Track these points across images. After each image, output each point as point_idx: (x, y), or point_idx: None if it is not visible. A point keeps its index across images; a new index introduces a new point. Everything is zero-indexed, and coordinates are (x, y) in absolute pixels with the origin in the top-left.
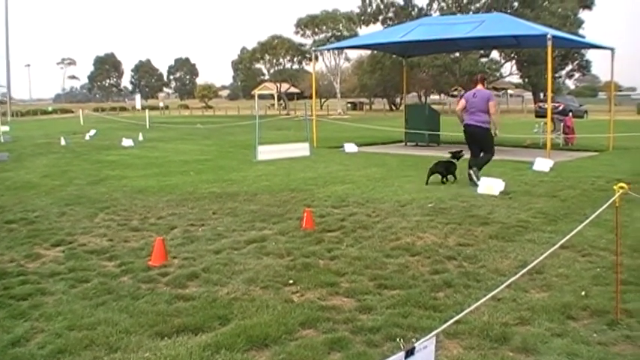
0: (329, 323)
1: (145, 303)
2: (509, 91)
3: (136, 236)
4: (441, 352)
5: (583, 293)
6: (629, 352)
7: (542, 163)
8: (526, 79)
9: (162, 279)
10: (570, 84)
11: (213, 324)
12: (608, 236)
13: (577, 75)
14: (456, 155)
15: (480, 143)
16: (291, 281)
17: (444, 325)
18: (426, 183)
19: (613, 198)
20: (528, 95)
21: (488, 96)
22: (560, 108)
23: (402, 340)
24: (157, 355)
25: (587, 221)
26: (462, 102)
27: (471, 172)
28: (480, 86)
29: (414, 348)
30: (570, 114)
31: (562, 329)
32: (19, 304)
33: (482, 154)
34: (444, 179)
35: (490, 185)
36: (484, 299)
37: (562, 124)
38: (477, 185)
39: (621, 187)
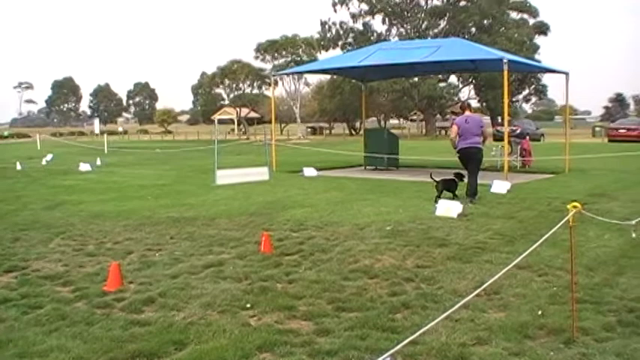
0: (286, 347)
1: (100, 329)
2: None
3: (91, 261)
4: None
5: (540, 312)
6: None
7: (500, 186)
8: (484, 104)
9: (118, 304)
10: (527, 108)
11: (168, 349)
12: (564, 256)
13: (534, 99)
14: (460, 177)
15: (476, 162)
16: (248, 305)
17: (399, 346)
18: (437, 199)
19: (567, 217)
20: (486, 119)
21: (480, 121)
22: (518, 131)
23: None
24: None
25: (542, 240)
26: (455, 128)
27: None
28: (467, 112)
29: None
30: (527, 137)
31: (519, 348)
32: None
33: (467, 179)
34: (455, 195)
35: (448, 207)
36: (438, 319)
37: (519, 147)
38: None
39: (574, 207)
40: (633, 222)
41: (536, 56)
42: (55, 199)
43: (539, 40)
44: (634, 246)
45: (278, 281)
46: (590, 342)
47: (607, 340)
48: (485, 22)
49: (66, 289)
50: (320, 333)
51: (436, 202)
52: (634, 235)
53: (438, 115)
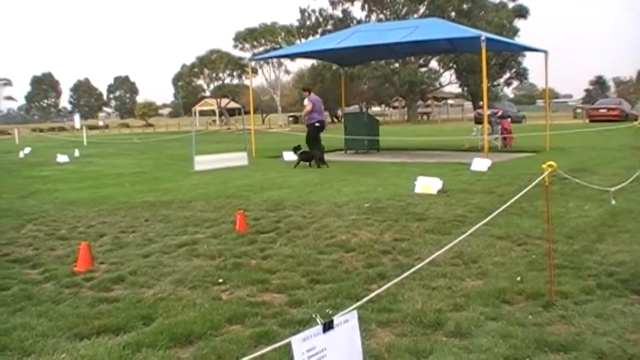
0: (257, 318)
1: (66, 307)
2: (450, 101)
3: (62, 244)
4: (372, 341)
5: (518, 279)
6: (564, 331)
7: (480, 163)
8: (465, 88)
9: (87, 283)
10: (509, 92)
11: (136, 324)
12: (544, 226)
13: (515, 83)
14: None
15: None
16: (220, 280)
17: (365, 299)
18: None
19: (542, 176)
20: (468, 105)
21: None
22: (499, 114)
23: (317, 314)
24: (74, 356)
25: (507, 204)
26: (310, 105)
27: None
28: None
29: (332, 321)
30: (509, 118)
31: (497, 313)
32: None
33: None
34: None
35: (427, 184)
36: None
37: (500, 126)
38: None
39: (550, 166)
40: (612, 189)
41: (517, 39)
42: (30, 189)
43: (518, 23)
44: (613, 215)
45: (252, 257)
46: (570, 305)
47: (586, 303)
48: (464, 6)
49: (35, 271)
50: (292, 304)
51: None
52: (613, 202)
53: (420, 101)
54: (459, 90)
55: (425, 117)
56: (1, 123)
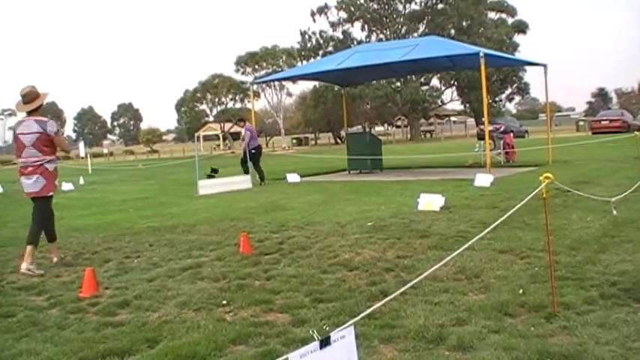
0: (260, 338)
1: (72, 332)
2: (452, 118)
3: (68, 271)
4: (375, 357)
5: (521, 291)
6: (567, 342)
7: (483, 179)
8: (467, 105)
9: (92, 309)
10: (512, 107)
11: (140, 347)
12: (546, 239)
13: (517, 98)
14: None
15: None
16: (224, 302)
17: (362, 315)
18: None
19: (539, 188)
20: (471, 121)
21: None
22: (502, 129)
23: (314, 330)
24: None
25: (505, 217)
26: (249, 133)
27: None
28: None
29: (329, 337)
30: (511, 133)
31: (499, 326)
32: None
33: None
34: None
35: (430, 201)
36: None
37: (502, 141)
38: None
39: (547, 177)
40: (613, 199)
41: (517, 54)
42: None
43: (518, 38)
44: (615, 225)
45: (256, 278)
46: (572, 315)
47: (589, 313)
48: (464, 23)
49: (40, 297)
50: (296, 323)
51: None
52: (615, 212)
53: (423, 119)
54: (461, 107)
55: (428, 135)
56: (6, 152)
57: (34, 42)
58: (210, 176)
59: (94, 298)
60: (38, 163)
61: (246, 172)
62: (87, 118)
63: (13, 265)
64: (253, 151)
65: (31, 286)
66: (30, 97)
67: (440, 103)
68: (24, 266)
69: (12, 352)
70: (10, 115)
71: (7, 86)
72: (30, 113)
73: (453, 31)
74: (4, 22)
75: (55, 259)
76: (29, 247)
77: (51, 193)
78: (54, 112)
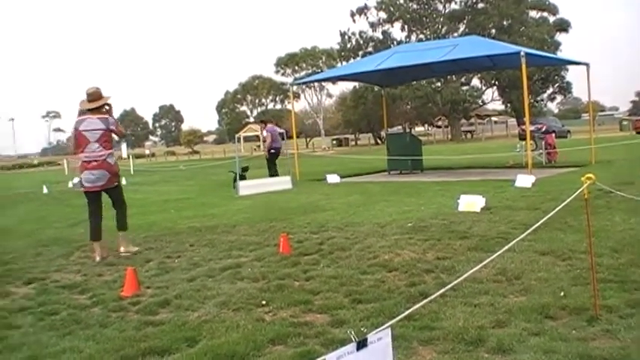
0: (299, 338)
1: (113, 330)
2: (493, 119)
3: (110, 270)
4: (414, 359)
5: (562, 294)
6: (609, 345)
7: (524, 180)
8: (508, 105)
9: (133, 307)
10: (553, 107)
11: (180, 346)
12: (588, 241)
13: (559, 98)
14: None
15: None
16: (264, 302)
17: (400, 317)
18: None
19: (581, 189)
20: (512, 121)
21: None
22: (543, 129)
23: (352, 331)
24: None
25: (546, 218)
26: (270, 135)
27: None
28: (270, 125)
29: (366, 339)
30: (553, 133)
31: (539, 328)
32: None
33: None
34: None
35: (471, 202)
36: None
37: (543, 142)
38: None
39: (588, 178)
40: None
41: (558, 53)
42: (79, 217)
43: (560, 37)
44: None
45: (295, 279)
46: (615, 319)
47: (632, 316)
48: (504, 22)
49: (83, 296)
50: (335, 324)
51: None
52: None
53: (463, 119)
54: (502, 107)
55: (469, 135)
56: (51, 154)
57: (78, 45)
58: (241, 177)
59: (135, 297)
60: (102, 158)
61: (274, 176)
62: (129, 119)
63: (57, 264)
64: (273, 151)
65: (74, 285)
66: (94, 97)
67: (480, 103)
68: (122, 250)
69: (56, 349)
70: (54, 117)
71: (52, 89)
72: (92, 111)
73: (493, 31)
74: (49, 26)
75: (104, 255)
76: (122, 233)
77: (116, 183)
78: None
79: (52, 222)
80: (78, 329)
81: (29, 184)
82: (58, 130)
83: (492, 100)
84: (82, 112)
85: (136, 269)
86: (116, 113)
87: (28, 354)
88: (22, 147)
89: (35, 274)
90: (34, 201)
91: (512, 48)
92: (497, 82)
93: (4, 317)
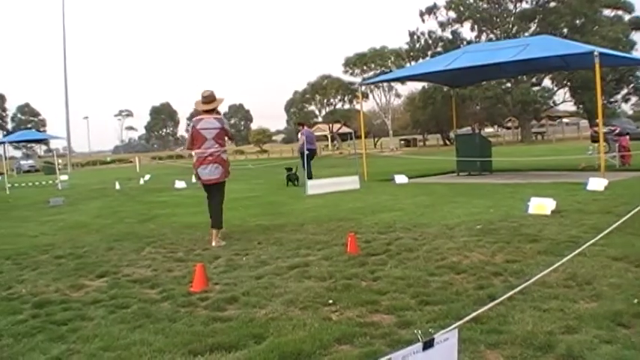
0: (366, 338)
1: (182, 325)
2: (565, 120)
3: (180, 266)
4: None
5: (635, 301)
6: None
7: (597, 183)
8: (580, 106)
9: (202, 303)
10: (628, 109)
11: (247, 342)
12: None
13: (634, 99)
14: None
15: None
16: (330, 301)
17: (467, 318)
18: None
19: None
20: (584, 123)
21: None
22: (617, 131)
23: (419, 331)
24: None
25: (620, 222)
26: (304, 137)
27: None
28: (306, 127)
29: (432, 340)
30: (627, 135)
31: (611, 336)
32: (58, 328)
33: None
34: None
35: (541, 205)
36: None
37: (617, 144)
38: None
39: None
40: None
41: (634, 53)
42: (149, 213)
43: (635, 36)
44: None
45: (362, 279)
46: None
47: None
48: (577, 21)
49: (153, 291)
50: (401, 325)
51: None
52: None
53: (534, 121)
54: (574, 108)
55: (539, 137)
56: (123, 152)
57: (150, 47)
58: (290, 177)
59: (203, 293)
60: (217, 153)
61: (309, 176)
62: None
63: (129, 258)
64: (307, 152)
65: (144, 280)
66: (210, 99)
67: (552, 104)
68: (214, 244)
69: (126, 341)
70: (127, 115)
71: (125, 88)
72: (208, 112)
73: (565, 30)
74: (122, 28)
75: (213, 244)
76: (214, 231)
77: (227, 178)
78: (168, 112)
79: (124, 217)
80: (148, 323)
81: (102, 180)
82: (131, 128)
83: (564, 101)
84: (197, 112)
85: (205, 266)
86: (186, 112)
87: (100, 345)
88: (95, 145)
89: (107, 267)
90: (106, 197)
91: (586, 47)
92: (569, 83)
93: (78, 309)
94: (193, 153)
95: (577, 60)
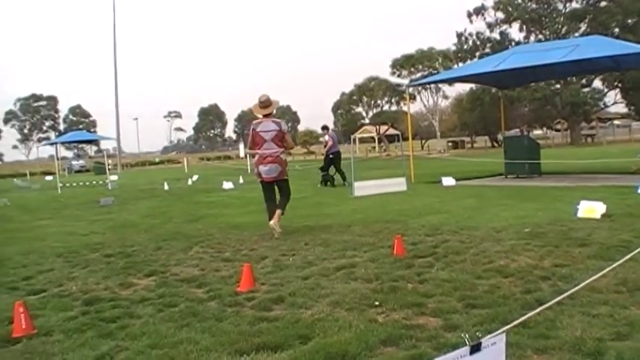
0: (411, 341)
1: (228, 324)
2: (616, 122)
3: (227, 266)
4: None
5: None
6: None
7: None
8: (632, 107)
9: (248, 303)
10: None
11: (293, 342)
12: None
13: None
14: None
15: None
16: (377, 303)
17: (515, 322)
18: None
19: None
20: (636, 125)
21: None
22: None
23: (466, 334)
24: None
25: None
26: (331, 140)
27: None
28: (330, 130)
29: (480, 343)
30: None
31: None
32: (107, 325)
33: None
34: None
35: (591, 208)
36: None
37: None
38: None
39: None
40: None
41: None
42: (197, 213)
43: None
44: None
45: (409, 281)
46: None
47: None
48: (629, 21)
49: (200, 290)
50: (447, 328)
51: (325, 185)
52: None
53: (584, 123)
54: (626, 110)
55: (589, 139)
56: (172, 151)
57: (198, 49)
58: (325, 177)
59: (250, 292)
60: (276, 154)
61: (343, 177)
62: (247, 119)
63: (176, 258)
64: (331, 155)
65: (192, 279)
66: (266, 103)
67: (602, 106)
68: (272, 222)
69: (174, 339)
70: (175, 116)
71: (174, 90)
72: (266, 116)
73: (617, 30)
74: (178, 36)
75: (271, 222)
76: (279, 211)
77: (286, 177)
78: (216, 113)
79: (172, 217)
80: (195, 321)
81: (151, 180)
82: (179, 129)
83: (615, 102)
84: (255, 116)
85: (252, 266)
86: (234, 114)
87: (147, 342)
88: (144, 146)
89: (156, 267)
90: (155, 197)
91: (638, 47)
92: (620, 84)
93: (127, 307)
94: (255, 156)
95: (629, 60)
